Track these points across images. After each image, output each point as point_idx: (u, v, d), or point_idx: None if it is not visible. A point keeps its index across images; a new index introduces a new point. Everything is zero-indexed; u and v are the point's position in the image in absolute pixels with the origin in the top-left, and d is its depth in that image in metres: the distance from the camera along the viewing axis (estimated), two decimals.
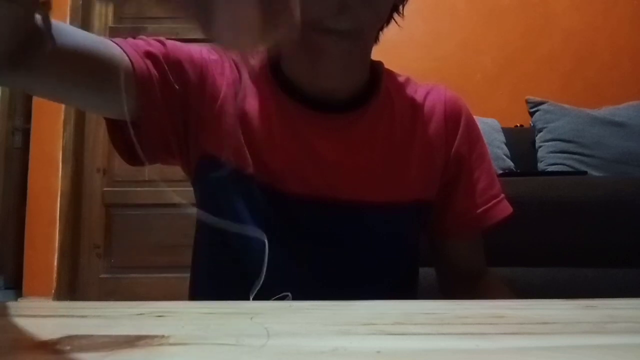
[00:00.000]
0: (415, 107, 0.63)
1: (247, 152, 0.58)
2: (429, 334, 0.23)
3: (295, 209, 0.58)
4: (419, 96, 0.64)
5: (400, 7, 0.63)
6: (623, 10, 2.44)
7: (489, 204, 0.63)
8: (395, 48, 2.22)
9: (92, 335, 0.21)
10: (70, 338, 0.21)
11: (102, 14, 2.47)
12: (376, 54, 0.64)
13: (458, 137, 0.63)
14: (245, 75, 0.61)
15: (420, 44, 2.42)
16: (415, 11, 2.69)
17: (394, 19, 0.63)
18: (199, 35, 0.19)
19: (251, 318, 0.26)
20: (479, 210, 0.63)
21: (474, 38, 2.45)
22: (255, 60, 0.61)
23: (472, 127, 0.65)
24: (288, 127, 0.59)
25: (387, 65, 0.67)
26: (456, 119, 0.64)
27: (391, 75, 0.66)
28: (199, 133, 0.58)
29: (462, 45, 2.45)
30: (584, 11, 2.45)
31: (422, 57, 2.40)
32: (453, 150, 0.63)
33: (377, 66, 0.65)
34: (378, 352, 0.19)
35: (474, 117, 0.67)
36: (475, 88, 2.33)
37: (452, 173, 0.63)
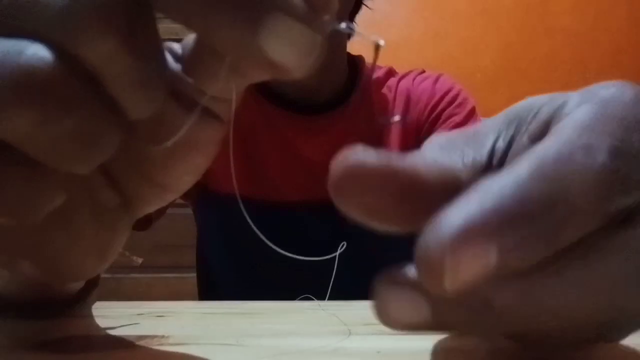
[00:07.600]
0: (400, 97, 0.62)
1: (233, 173, 0.58)
2: (429, 334, 0.23)
3: (292, 216, 0.58)
4: (405, 86, 0.63)
5: None
6: (623, 10, 2.43)
7: None
8: (395, 48, 2.22)
9: (92, 335, 0.21)
10: (70, 338, 0.21)
11: None
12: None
13: (446, 112, 0.62)
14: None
15: (419, 44, 2.42)
16: (414, 11, 2.66)
17: (365, 4, 0.63)
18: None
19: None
20: None
21: (474, 38, 2.45)
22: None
23: (461, 100, 0.64)
24: (273, 134, 0.59)
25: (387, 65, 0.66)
26: (445, 102, 0.63)
27: (371, 67, 0.65)
28: None
29: (461, 45, 2.45)
30: (584, 11, 2.45)
31: (421, 56, 2.40)
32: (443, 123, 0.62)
33: (356, 61, 0.64)
34: (378, 352, 0.19)
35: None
36: (475, 88, 2.32)
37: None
